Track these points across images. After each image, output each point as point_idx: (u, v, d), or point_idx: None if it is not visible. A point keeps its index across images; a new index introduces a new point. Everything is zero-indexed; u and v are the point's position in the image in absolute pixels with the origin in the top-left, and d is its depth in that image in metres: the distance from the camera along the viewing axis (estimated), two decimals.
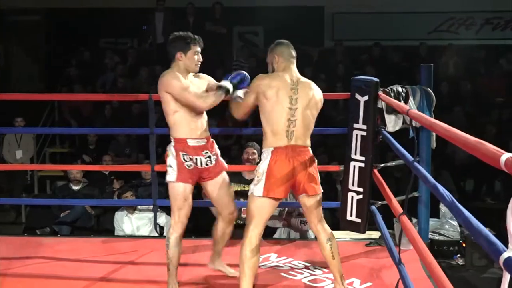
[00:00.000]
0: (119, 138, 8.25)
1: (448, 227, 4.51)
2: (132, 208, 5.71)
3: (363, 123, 4.03)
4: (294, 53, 3.45)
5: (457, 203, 2.09)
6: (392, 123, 4.21)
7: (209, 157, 3.60)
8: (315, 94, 3.40)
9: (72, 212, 6.29)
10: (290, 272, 3.95)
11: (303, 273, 3.92)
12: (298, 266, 4.06)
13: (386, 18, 10.42)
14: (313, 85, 3.43)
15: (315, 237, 3.54)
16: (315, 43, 10.45)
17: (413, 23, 10.39)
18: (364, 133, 4.04)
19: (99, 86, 9.37)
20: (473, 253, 4.19)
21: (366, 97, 4.01)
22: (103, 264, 4.06)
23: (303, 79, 3.41)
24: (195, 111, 3.52)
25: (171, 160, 3.54)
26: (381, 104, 4.13)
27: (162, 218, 5.57)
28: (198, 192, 4.74)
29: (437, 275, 2.29)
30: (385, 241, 3.63)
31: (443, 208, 4.57)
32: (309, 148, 3.37)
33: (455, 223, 4.49)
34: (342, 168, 4.25)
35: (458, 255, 4.34)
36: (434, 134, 4.40)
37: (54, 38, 10.91)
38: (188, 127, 3.52)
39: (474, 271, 4.20)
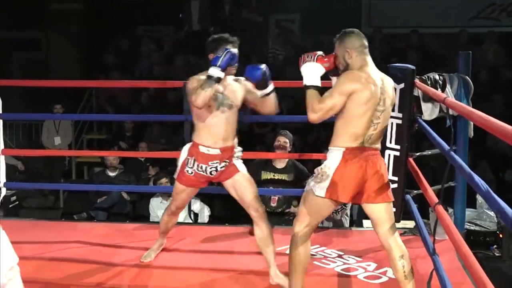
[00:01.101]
0: (154, 127, 8.32)
1: (485, 217, 4.44)
2: (167, 195, 5.75)
3: (399, 111, 4.00)
4: (366, 43, 3.05)
5: (492, 193, 2.05)
6: (429, 112, 4.15)
7: (216, 168, 3.44)
8: (393, 92, 3.13)
9: (108, 198, 6.39)
10: (323, 260, 3.93)
11: (336, 262, 3.90)
12: (331, 254, 4.04)
13: (425, 4, 10.23)
14: (392, 80, 3.15)
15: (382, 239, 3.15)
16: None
17: (453, 10, 10.18)
18: (400, 121, 4.01)
19: (137, 73, 9.46)
20: (510, 244, 4.12)
21: (402, 85, 3.97)
22: (138, 250, 4.10)
23: (383, 74, 3.10)
24: (215, 118, 3.36)
25: (181, 158, 3.52)
26: (417, 92, 4.07)
27: (196, 205, 5.60)
28: None
29: (472, 266, 2.25)
30: (419, 231, 3.58)
31: (480, 198, 4.50)
32: (379, 151, 3.10)
33: (492, 213, 4.41)
34: None
35: (495, 246, 4.27)
36: (471, 123, 4.32)
37: (93, 26, 11.03)
38: (203, 133, 3.40)
39: (511, 262, 4.12)
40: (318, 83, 3.01)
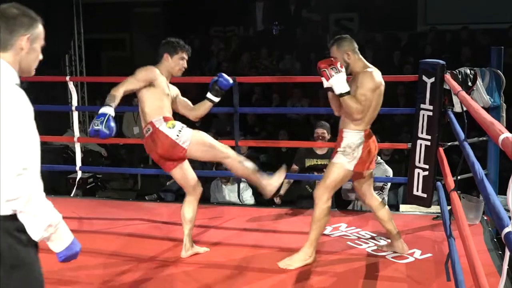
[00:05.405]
0: (221, 116, 8.45)
1: None
2: (226, 179, 5.87)
3: (430, 104, 3.94)
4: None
5: (485, 180, 2.03)
6: (459, 104, 4.04)
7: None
8: None
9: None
10: (356, 241, 3.94)
11: (368, 243, 3.89)
12: (364, 236, 4.04)
13: (477, 2, 9.87)
14: None
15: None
16: (408, 27, 10.13)
17: (503, 5, 9.77)
18: (431, 114, 3.95)
19: (207, 70, 9.64)
20: None
21: (432, 79, 3.91)
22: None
23: None
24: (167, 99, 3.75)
25: (172, 135, 3.69)
26: (448, 86, 3.98)
27: (247, 192, 5.66)
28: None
29: (468, 251, 2.23)
30: (442, 215, 3.53)
31: None
32: None
33: None
34: (410, 146, 4.17)
35: None
36: (504, 115, 4.22)
37: (171, 27, 11.28)
38: (160, 110, 3.71)
39: None
40: (349, 88, 3.29)
